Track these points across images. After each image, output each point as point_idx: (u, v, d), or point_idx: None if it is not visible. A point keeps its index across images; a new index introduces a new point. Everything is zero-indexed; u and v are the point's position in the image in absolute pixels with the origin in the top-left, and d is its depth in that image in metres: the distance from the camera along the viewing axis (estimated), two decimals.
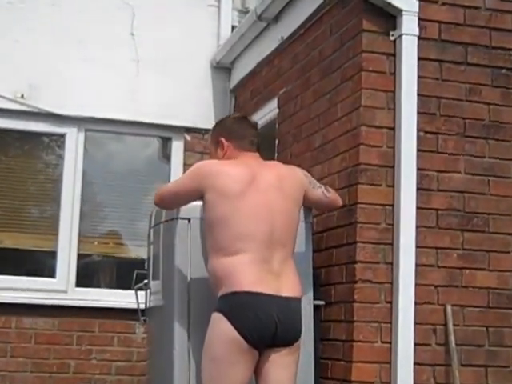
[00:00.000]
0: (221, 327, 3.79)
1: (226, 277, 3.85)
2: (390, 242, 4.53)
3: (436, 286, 4.55)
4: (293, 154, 5.58)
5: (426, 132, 4.62)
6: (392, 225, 4.53)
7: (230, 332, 3.76)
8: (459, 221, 4.62)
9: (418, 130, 4.58)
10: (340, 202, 4.48)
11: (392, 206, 4.55)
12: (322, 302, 4.81)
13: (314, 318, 4.68)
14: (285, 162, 5.56)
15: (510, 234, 4.68)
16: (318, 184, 4.35)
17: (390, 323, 4.48)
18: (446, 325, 4.51)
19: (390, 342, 4.46)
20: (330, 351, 4.71)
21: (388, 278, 4.51)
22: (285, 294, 3.84)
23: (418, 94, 4.59)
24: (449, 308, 4.52)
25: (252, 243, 3.86)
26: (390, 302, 4.49)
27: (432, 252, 4.57)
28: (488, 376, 4.56)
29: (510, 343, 4.62)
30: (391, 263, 4.52)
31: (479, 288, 4.61)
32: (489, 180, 4.70)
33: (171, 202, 4.29)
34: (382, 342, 4.46)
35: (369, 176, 4.55)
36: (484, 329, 4.59)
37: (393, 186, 4.55)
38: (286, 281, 3.88)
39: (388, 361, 4.45)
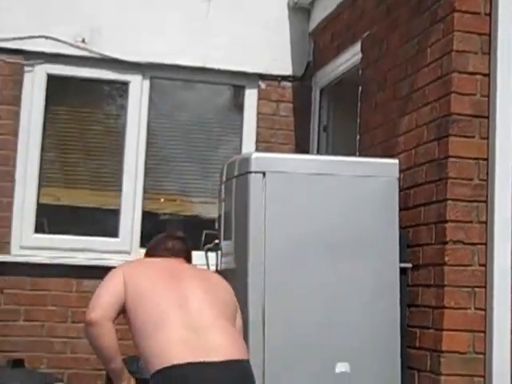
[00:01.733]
0: None
1: None
2: (483, 199, 4.56)
3: None
4: (377, 103, 5.60)
5: None
6: (486, 180, 4.57)
7: None
8: None
9: None
10: None
11: (486, 159, 4.58)
12: (409, 265, 4.87)
13: (401, 282, 4.78)
14: (369, 112, 5.71)
15: None
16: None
17: (485, 288, 4.52)
18: None
19: (485, 309, 4.51)
20: (418, 318, 4.77)
21: (482, 238, 4.55)
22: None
23: None
24: None
25: None
26: (485, 265, 4.53)
27: None
28: None
29: None
30: (485, 222, 4.55)
31: None
32: None
33: None
34: (476, 309, 4.52)
35: (461, 127, 4.58)
36: None
37: (487, 138, 4.58)
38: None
39: (482, 329, 4.51)
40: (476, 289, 4.55)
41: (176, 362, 3.64)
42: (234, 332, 3.88)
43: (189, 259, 4.26)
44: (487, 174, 4.59)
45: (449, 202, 4.58)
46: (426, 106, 4.89)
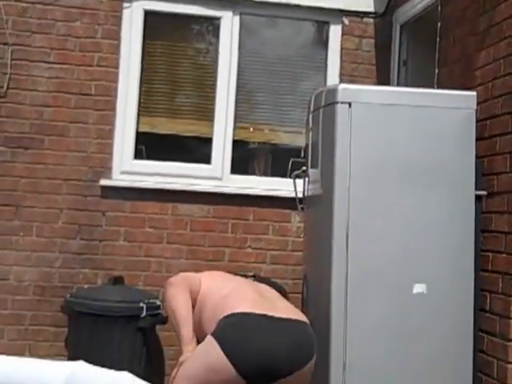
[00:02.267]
0: None
1: None
2: None
3: None
4: (455, 38, 5.50)
5: None
6: None
7: None
8: None
9: None
10: None
11: None
12: (484, 192, 4.85)
13: (476, 208, 4.76)
14: (447, 47, 5.59)
15: None
16: None
17: None
18: None
19: None
20: (492, 243, 4.74)
21: None
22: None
23: None
24: None
25: None
26: None
27: None
28: None
29: None
30: None
31: None
32: None
33: None
34: None
35: None
36: None
37: None
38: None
39: None
40: None
41: (241, 310, 3.75)
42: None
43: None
44: None
45: None
46: (503, 40, 4.78)
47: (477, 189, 4.78)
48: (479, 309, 4.76)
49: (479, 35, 5.14)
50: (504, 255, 4.61)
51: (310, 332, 3.98)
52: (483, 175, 4.87)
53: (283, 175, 6.10)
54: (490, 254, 4.77)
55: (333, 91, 4.76)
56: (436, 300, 4.66)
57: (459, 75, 5.40)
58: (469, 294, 4.71)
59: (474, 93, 4.90)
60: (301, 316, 4.04)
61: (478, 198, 4.81)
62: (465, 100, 4.86)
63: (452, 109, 4.80)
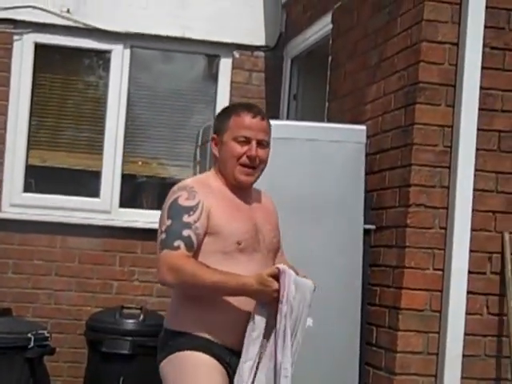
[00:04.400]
0: None
1: None
2: (447, 165, 4.32)
3: (494, 212, 4.34)
4: (347, 72, 5.37)
5: (493, 48, 4.34)
6: (450, 147, 4.31)
7: None
8: None
9: (484, 46, 4.30)
10: (160, 280, 3.11)
11: (451, 127, 4.32)
12: (372, 226, 4.69)
13: (364, 242, 4.63)
14: (338, 80, 5.49)
15: None
16: (163, 227, 3.11)
17: (444, 250, 4.30)
18: (502, 253, 4.32)
19: (443, 270, 4.30)
20: (380, 277, 4.59)
21: (443, 202, 4.32)
22: None
23: (487, 6, 4.30)
24: (506, 235, 4.32)
25: None
26: (445, 228, 4.31)
27: (491, 176, 4.34)
28: None
29: None
30: (447, 187, 4.32)
31: None
32: None
33: None
34: (434, 269, 4.31)
35: (428, 95, 4.31)
36: None
37: (453, 106, 4.32)
38: None
39: (439, 289, 4.31)
40: (435, 250, 4.33)
41: None
42: None
43: None
44: (451, 140, 4.33)
45: (413, 166, 4.33)
46: (394, 74, 4.62)
47: (365, 222, 4.65)
48: (366, 342, 4.64)
49: (370, 69, 4.99)
50: (392, 289, 4.44)
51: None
52: (372, 209, 4.72)
53: None
54: (378, 288, 4.61)
55: None
56: (323, 333, 4.46)
57: (350, 109, 5.27)
58: (356, 327, 4.61)
59: (364, 127, 4.78)
60: None
61: (366, 231, 4.67)
62: (355, 134, 4.74)
63: (342, 142, 4.68)
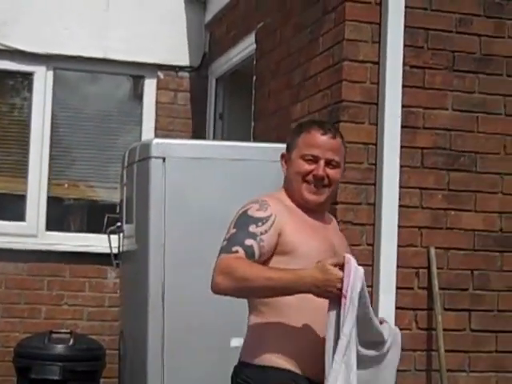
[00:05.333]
0: None
1: None
2: (372, 182, 4.36)
3: (420, 228, 4.41)
4: (271, 91, 5.40)
5: (413, 66, 4.43)
6: (375, 164, 4.36)
7: None
8: (445, 160, 4.45)
9: (404, 65, 4.39)
10: (212, 287, 2.86)
11: (375, 144, 4.37)
12: None
13: None
14: (263, 100, 5.51)
15: (497, 174, 4.52)
16: (227, 235, 2.93)
17: (372, 266, 4.34)
18: (429, 268, 4.37)
19: (371, 286, 4.30)
20: None
21: (370, 219, 4.36)
22: None
23: (405, 26, 4.39)
24: (432, 250, 4.38)
25: None
26: (372, 245, 4.35)
27: (416, 192, 4.40)
28: (471, 320, 4.45)
29: (495, 287, 4.48)
30: (373, 204, 4.36)
31: (464, 230, 4.46)
32: (478, 117, 4.52)
33: None
34: None
35: (351, 113, 4.36)
36: (469, 272, 4.46)
37: (376, 124, 4.38)
38: None
39: None
40: (364, 267, 4.23)
41: None
42: None
43: None
44: (376, 158, 4.38)
45: (339, 184, 4.25)
46: (318, 93, 4.66)
47: None
48: None
49: (294, 88, 5.01)
50: None
51: None
52: None
53: (99, 231, 5.81)
54: None
55: (146, 146, 4.63)
56: None
57: (275, 128, 5.27)
58: None
59: None
60: None
61: None
62: (279, 152, 4.61)
63: (268, 162, 4.58)
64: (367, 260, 4.31)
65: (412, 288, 4.38)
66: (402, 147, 4.36)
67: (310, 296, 2.73)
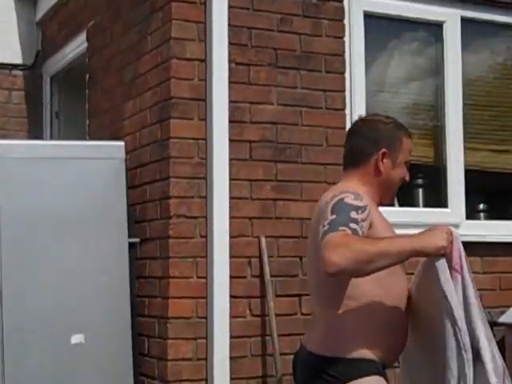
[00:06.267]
0: None
1: None
2: (203, 176, 4.45)
3: (250, 219, 4.53)
4: (104, 89, 5.40)
5: (238, 63, 4.54)
6: (205, 159, 4.46)
7: None
8: (272, 152, 4.59)
9: (230, 62, 4.50)
10: (326, 267, 2.60)
11: (205, 139, 4.47)
12: (136, 240, 4.73)
13: (130, 255, 4.65)
14: (96, 97, 5.50)
15: (322, 164, 4.69)
16: (326, 221, 2.72)
17: (206, 258, 4.42)
18: (260, 256, 4.50)
19: (206, 277, 4.41)
20: (147, 289, 4.64)
21: (202, 212, 4.44)
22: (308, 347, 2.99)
23: (230, 25, 4.50)
24: (263, 240, 4.51)
25: None
26: (205, 237, 4.43)
27: (246, 184, 4.53)
28: (301, 305, 4.58)
29: None
30: (205, 197, 4.45)
31: (292, 219, 4.61)
32: (301, 111, 4.68)
33: None
34: (198, 277, 4.42)
35: (181, 110, 4.44)
36: (298, 259, 4.59)
37: (205, 120, 4.47)
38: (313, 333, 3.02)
39: (204, 295, 4.42)
40: (198, 259, 4.44)
41: None
42: None
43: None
44: (206, 152, 4.47)
45: (172, 179, 4.44)
46: (148, 90, 4.72)
47: (130, 236, 4.67)
48: (139, 353, 4.65)
49: (126, 86, 5.04)
50: (159, 300, 4.51)
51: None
52: (136, 222, 4.75)
53: None
54: (146, 299, 4.65)
55: None
56: (95, 349, 4.51)
57: (109, 125, 5.29)
58: (127, 339, 4.60)
59: (122, 142, 4.82)
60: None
61: (131, 245, 4.69)
62: (114, 150, 4.78)
63: (102, 159, 4.71)
64: (201, 252, 4.41)
65: (245, 277, 4.49)
66: (230, 141, 4.47)
67: (393, 285, 2.83)
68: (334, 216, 2.70)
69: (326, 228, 2.67)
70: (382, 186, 2.95)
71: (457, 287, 2.68)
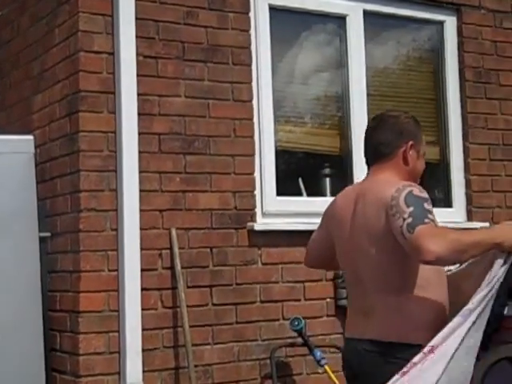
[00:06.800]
0: None
1: None
2: (113, 168, 4.46)
3: (160, 211, 4.55)
4: (12, 82, 5.35)
5: (146, 56, 4.56)
6: (115, 151, 4.47)
7: None
8: (181, 144, 4.62)
9: (138, 55, 4.51)
10: (424, 256, 2.76)
11: (114, 132, 4.48)
12: (47, 234, 4.71)
13: (41, 250, 4.62)
14: (4, 90, 5.43)
15: (229, 156, 4.75)
16: (405, 214, 2.85)
17: (117, 251, 4.43)
18: (171, 248, 4.53)
19: (117, 270, 4.42)
20: (58, 283, 4.62)
21: (113, 205, 4.45)
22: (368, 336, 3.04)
23: (137, 18, 4.52)
24: (174, 231, 4.54)
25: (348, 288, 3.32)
26: (116, 230, 4.44)
27: (155, 177, 4.55)
28: (213, 295, 4.64)
29: (233, 262, 4.71)
30: (115, 190, 4.46)
31: (202, 210, 4.65)
32: (209, 103, 4.72)
33: None
34: (110, 271, 4.42)
35: (90, 103, 4.44)
36: (208, 250, 4.65)
37: (114, 113, 4.48)
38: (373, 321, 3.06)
39: (116, 288, 4.42)
40: (109, 252, 4.45)
41: None
42: None
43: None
44: (116, 145, 4.48)
45: (82, 172, 4.43)
46: (57, 84, 4.70)
47: (40, 231, 4.64)
48: (51, 348, 4.62)
49: (34, 79, 5.01)
50: (70, 294, 4.49)
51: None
52: (47, 217, 4.73)
53: None
54: (58, 293, 4.63)
55: None
56: (5, 345, 4.45)
57: (18, 119, 5.24)
58: (39, 334, 4.57)
59: (31, 137, 4.78)
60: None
61: (42, 239, 4.66)
62: (22, 144, 4.73)
63: (10, 153, 4.65)
64: (112, 245, 4.42)
65: (156, 269, 4.51)
66: (140, 134, 4.49)
67: (442, 273, 3.01)
68: (411, 208, 2.84)
69: (409, 220, 2.82)
70: (410, 176, 3.11)
71: None
